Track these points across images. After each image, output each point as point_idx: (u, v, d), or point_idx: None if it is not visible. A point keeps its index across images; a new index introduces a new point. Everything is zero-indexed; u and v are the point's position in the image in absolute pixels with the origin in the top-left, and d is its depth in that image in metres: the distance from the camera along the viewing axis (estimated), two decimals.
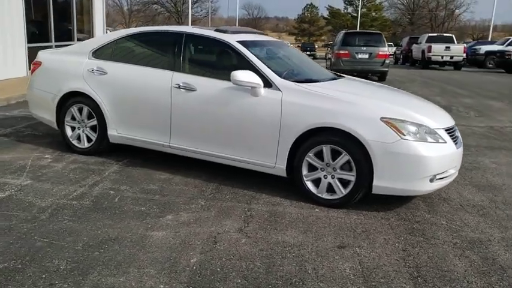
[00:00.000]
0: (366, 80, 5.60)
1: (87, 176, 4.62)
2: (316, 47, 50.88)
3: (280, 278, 2.88)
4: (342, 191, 4.06)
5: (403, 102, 4.47)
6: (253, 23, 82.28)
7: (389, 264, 3.13)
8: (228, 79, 4.40)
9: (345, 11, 72.18)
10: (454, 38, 27.09)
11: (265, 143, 4.29)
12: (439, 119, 4.27)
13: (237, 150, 4.46)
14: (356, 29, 54.18)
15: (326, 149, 4.05)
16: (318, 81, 4.62)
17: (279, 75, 4.38)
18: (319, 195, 4.15)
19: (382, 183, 3.90)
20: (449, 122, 4.39)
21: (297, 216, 3.87)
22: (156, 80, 4.76)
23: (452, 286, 2.88)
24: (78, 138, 5.34)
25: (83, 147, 5.31)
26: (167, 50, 4.95)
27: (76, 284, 2.68)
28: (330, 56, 19.47)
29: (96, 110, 5.10)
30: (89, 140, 5.28)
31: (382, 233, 3.63)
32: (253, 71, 4.31)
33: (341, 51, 16.47)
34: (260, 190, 4.44)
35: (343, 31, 18.87)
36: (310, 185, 4.19)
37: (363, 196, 4.06)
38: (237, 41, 4.65)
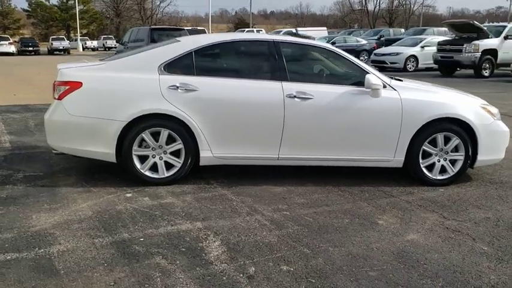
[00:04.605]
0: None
1: (223, 205, 4.16)
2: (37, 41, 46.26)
3: None
4: (452, 170, 4.86)
5: (466, 93, 5.47)
6: None
7: None
8: (340, 83, 4.72)
9: (50, 3, 69.46)
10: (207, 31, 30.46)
11: (386, 140, 4.71)
12: None
13: (357, 151, 4.72)
14: (75, 21, 53.24)
15: (440, 137, 4.76)
16: (403, 80, 5.20)
17: None
18: (434, 177, 4.86)
19: (483, 157, 4.87)
20: None
21: (446, 199, 4.49)
22: (265, 92, 4.53)
23: None
24: (152, 168, 4.56)
25: (162, 176, 4.56)
26: (264, 60, 4.72)
27: None
28: None
29: (180, 132, 4.47)
30: (168, 167, 4.57)
31: (508, 196, 4.61)
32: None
33: None
34: (374, 185, 4.83)
35: (147, 27, 18.92)
36: (425, 170, 4.84)
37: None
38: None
